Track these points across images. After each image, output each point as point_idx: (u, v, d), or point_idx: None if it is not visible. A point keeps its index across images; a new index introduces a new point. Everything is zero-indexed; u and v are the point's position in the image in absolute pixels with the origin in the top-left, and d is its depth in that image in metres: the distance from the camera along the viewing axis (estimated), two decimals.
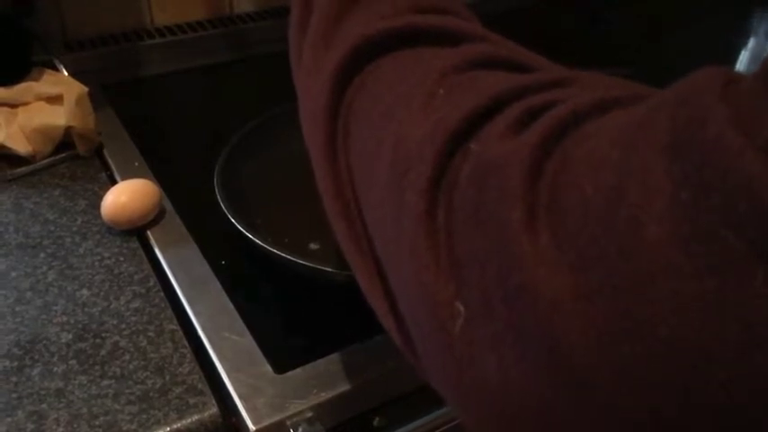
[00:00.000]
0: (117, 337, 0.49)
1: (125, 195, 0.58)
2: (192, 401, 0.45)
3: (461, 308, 0.23)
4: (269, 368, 0.47)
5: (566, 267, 0.19)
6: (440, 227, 0.24)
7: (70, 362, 0.47)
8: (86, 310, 0.51)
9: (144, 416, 0.44)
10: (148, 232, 0.58)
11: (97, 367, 0.47)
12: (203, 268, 0.55)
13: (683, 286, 0.17)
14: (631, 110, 0.21)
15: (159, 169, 0.65)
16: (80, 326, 0.50)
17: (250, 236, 0.53)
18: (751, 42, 1.04)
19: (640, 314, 0.18)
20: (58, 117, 0.65)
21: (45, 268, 0.55)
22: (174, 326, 0.50)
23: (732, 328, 0.16)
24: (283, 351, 0.49)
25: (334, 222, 0.32)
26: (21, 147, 0.63)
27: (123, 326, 0.50)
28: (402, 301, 0.27)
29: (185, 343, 0.49)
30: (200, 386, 0.46)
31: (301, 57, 0.36)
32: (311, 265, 0.51)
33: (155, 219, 0.59)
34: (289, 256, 0.52)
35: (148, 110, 0.80)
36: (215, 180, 0.58)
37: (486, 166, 0.23)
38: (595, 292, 0.19)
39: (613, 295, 0.18)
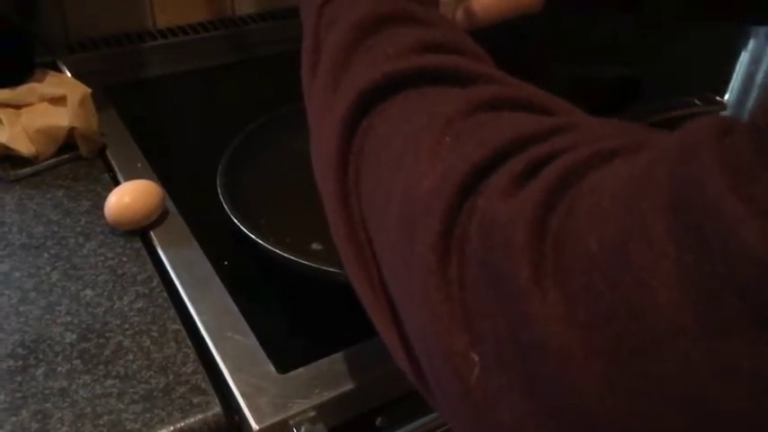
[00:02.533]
0: (120, 337, 0.49)
1: (128, 196, 0.58)
2: (195, 401, 0.45)
3: (476, 358, 0.23)
4: (272, 368, 0.47)
5: (576, 324, 0.20)
6: (452, 279, 0.24)
7: (74, 361, 0.47)
8: (90, 310, 0.52)
9: (148, 415, 0.44)
10: (151, 233, 0.59)
11: (101, 367, 0.47)
12: (206, 268, 0.55)
13: (692, 347, 0.18)
14: (632, 161, 0.22)
15: (162, 170, 0.66)
16: (84, 326, 0.50)
17: (252, 236, 0.53)
18: (750, 44, 1.04)
19: (652, 373, 0.18)
20: (61, 118, 0.65)
21: (49, 268, 0.55)
22: (178, 326, 0.51)
23: (742, 388, 0.17)
24: (286, 351, 0.49)
25: (347, 263, 0.32)
26: (24, 148, 0.64)
27: (127, 326, 0.50)
28: (417, 344, 0.28)
29: (188, 343, 0.49)
30: (203, 386, 0.46)
31: (312, 98, 0.37)
32: (313, 265, 0.52)
33: (157, 219, 0.59)
34: (291, 257, 0.52)
35: (151, 111, 0.80)
36: (217, 180, 0.58)
37: (493, 224, 0.23)
38: (606, 350, 0.19)
39: (625, 354, 0.19)
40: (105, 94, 0.76)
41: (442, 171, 0.26)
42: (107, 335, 0.50)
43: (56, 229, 0.59)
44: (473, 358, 0.23)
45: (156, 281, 0.54)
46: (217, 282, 0.54)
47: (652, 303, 0.18)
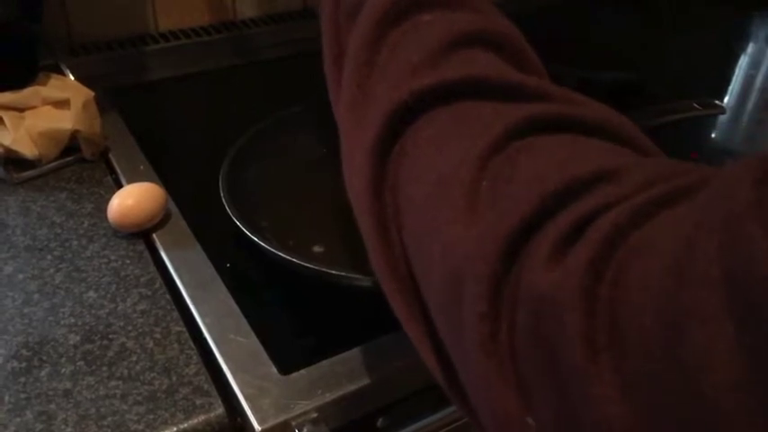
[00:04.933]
0: (124, 339, 0.50)
1: (131, 198, 0.58)
2: (198, 402, 0.46)
3: (532, 422, 0.23)
4: (274, 369, 0.48)
5: (637, 407, 0.20)
6: (503, 346, 0.24)
7: (78, 363, 0.48)
8: (93, 311, 0.52)
9: (151, 416, 0.44)
10: (154, 235, 0.59)
11: (105, 368, 0.48)
12: (209, 270, 0.55)
13: (760, 428, 0.17)
14: (677, 221, 0.21)
15: (164, 172, 0.66)
16: (87, 327, 0.51)
17: (255, 238, 0.54)
18: (750, 47, 1.04)
19: None
20: (64, 121, 0.65)
21: (52, 270, 0.55)
22: (181, 327, 0.51)
23: None
24: (288, 352, 0.49)
25: (392, 300, 0.31)
26: (27, 150, 0.64)
27: (130, 327, 0.51)
28: (470, 394, 0.27)
29: (191, 344, 0.50)
30: (206, 387, 0.47)
31: (338, 102, 0.35)
32: (315, 267, 0.52)
33: (160, 221, 0.60)
34: (293, 259, 0.52)
35: (153, 114, 0.81)
36: (220, 183, 0.59)
37: (540, 296, 0.23)
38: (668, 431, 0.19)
39: None
40: (108, 97, 0.76)
41: (481, 233, 0.25)
42: (110, 336, 0.50)
43: (59, 231, 0.59)
44: (529, 423, 0.23)
45: (158, 283, 0.55)
46: (219, 284, 0.54)
47: (713, 384, 0.18)
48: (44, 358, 0.48)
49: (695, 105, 0.81)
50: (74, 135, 0.66)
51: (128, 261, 0.57)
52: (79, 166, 0.67)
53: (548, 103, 0.30)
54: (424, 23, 0.33)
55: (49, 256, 0.57)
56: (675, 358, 0.19)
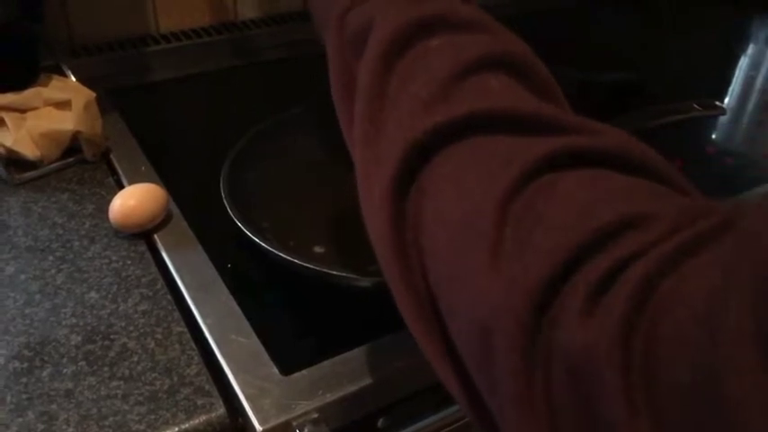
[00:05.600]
0: (125, 339, 0.50)
1: (133, 199, 0.59)
2: (199, 402, 0.46)
3: None
4: (275, 370, 0.48)
5: None
6: (538, 401, 0.24)
7: (79, 363, 0.48)
8: (95, 312, 0.52)
9: (152, 416, 0.45)
10: (155, 236, 0.59)
11: (106, 368, 0.48)
12: (210, 271, 0.56)
13: None
14: (705, 272, 0.21)
15: (166, 173, 0.66)
16: (89, 328, 0.51)
17: (256, 239, 0.54)
18: (750, 48, 1.04)
19: None
20: (65, 122, 0.65)
21: (54, 271, 0.55)
22: (182, 328, 0.51)
23: None
24: (289, 353, 0.49)
25: (419, 339, 0.30)
26: (29, 151, 0.64)
27: (131, 328, 0.51)
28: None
29: (193, 345, 0.50)
30: (207, 387, 0.47)
31: (352, 136, 0.35)
32: (316, 267, 0.52)
33: (162, 222, 0.60)
34: (294, 260, 0.52)
35: (154, 115, 0.81)
36: (221, 184, 0.59)
37: (577, 356, 0.23)
38: None
39: None
40: (109, 98, 0.76)
41: (509, 286, 0.25)
42: (112, 337, 0.50)
43: (60, 232, 0.59)
44: None
45: (160, 283, 0.55)
46: (220, 284, 0.54)
47: None
48: (46, 359, 0.48)
49: (695, 106, 0.81)
50: (75, 136, 0.66)
51: (129, 262, 0.57)
52: (80, 167, 0.68)
53: (564, 135, 0.29)
54: (432, 50, 0.33)
55: (51, 257, 0.57)
56: (713, 413, 0.19)
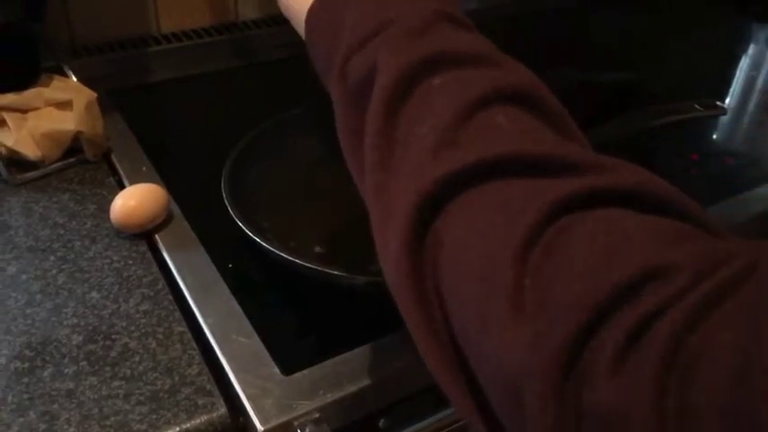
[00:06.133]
0: (127, 339, 0.50)
1: (134, 199, 0.59)
2: (200, 402, 0.46)
3: None
4: (276, 369, 0.48)
5: None
6: None
7: (81, 363, 0.48)
8: (96, 312, 0.52)
9: (154, 416, 0.45)
10: (156, 236, 0.59)
11: (107, 368, 0.48)
12: (211, 271, 0.56)
13: None
14: (732, 326, 0.21)
15: (167, 174, 0.66)
16: (90, 328, 0.51)
17: (257, 239, 0.54)
18: (751, 48, 1.04)
19: None
20: (67, 122, 0.65)
21: (55, 271, 0.55)
22: (183, 328, 0.51)
23: None
24: (290, 353, 0.50)
25: (446, 391, 0.30)
26: (30, 151, 0.64)
27: (133, 328, 0.51)
28: None
29: (194, 345, 0.50)
30: (208, 387, 0.47)
31: (364, 179, 0.34)
32: (317, 268, 0.52)
33: (163, 222, 0.60)
34: (295, 260, 0.52)
35: (155, 115, 0.81)
36: (222, 184, 0.59)
37: (608, 416, 0.23)
38: None
39: None
40: (110, 98, 0.76)
41: (535, 343, 0.25)
42: (113, 337, 0.50)
43: (62, 232, 0.60)
44: None
45: (161, 283, 0.55)
46: (221, 284, 0.54)
47: None
48: (47, 358, 0.48)
49: (696, 106, 0.81)
50: (76, 136, 0.66)
51: (130, 262, 0.57)
52: (82, 168, 0.68)
53: (578, 175, 0.29)
54: (435, 90, 0.32)
55: (52, 257, 0.57)
56: None
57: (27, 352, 0.49)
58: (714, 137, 0.85)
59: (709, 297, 0.23)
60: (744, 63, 1.00)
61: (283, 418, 0.45)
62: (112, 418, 0.44)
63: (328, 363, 0.49)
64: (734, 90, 0.94)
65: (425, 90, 0.32)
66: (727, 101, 0.90)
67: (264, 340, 0.50)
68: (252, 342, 0.50)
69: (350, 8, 0.37)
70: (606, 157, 0.30)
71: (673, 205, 0.28)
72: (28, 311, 0.52)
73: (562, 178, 0.28)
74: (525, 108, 0.32)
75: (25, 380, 0.47)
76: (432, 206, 0.30)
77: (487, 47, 0.35)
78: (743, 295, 0.22)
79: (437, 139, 0.30)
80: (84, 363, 0.48)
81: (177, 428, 0.44)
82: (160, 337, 0.50)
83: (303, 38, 0.42)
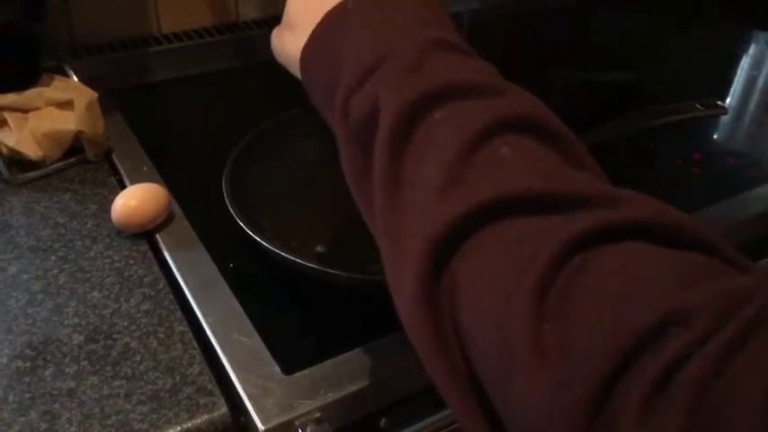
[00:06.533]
0: (128, 339, 0.50)
1: (135, 199, 0.59)
2: (201, 401, 0.46)
3: None
4: (277, 369, 0.48)
5: None
6: None
7: (82, 362, 0.48)
8: (97, 311, 0.52)
9: (155, 415, 0.45)
10: (157, 235, 0.59)
11: (108, 368, 0.48)
12: (212, 271, 0.56)
13: None
14: (756, 370, 0.22)
15: (167, 173, 0.66)
16: (91, 327, 0.51)
17: (258, 239, 0.54)
18: (752, 48, 1.04)
19: None
20: (67, 122, 0.65)
21: (56, 271, 0.55)
22: (184, 327, 0.51)
23: None
24: (291, 352, 0.50)
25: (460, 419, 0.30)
26: (31, 151, 0.64)
27: (134, 327, 0.51)
28: None
29: (195, 344, 0.50)
30: (209, 386, 0.47)
31: (374, 220, 0.34)
32: (318, 267, 0.52)
33: (163, 222, 0.60)
34: (296, 259, 0.52)
35: (156, 115, 0.81)
36: (223, 184, 0.59)
37: None
38: None
39: None
40: (111, 98, 0.76)
41: (559, 394, 0.25)
42: (114, 336, 0.50)
43: (63, 231, 0.60)
44: None
45: (162, 283, 0.55)
46: (222, 284, 0.54)
47: None
48: (48, 358, 0.48)
49: (697, 106, 0.81)
50: (77, 136, 0.66)
51: (131, 261, 0.57)
52: (82, 167, 0.68)
53: (589, 209, 0.28)
54: (438, 124, 0.32)
55: (53, 257, 0.57)
56: None
57: (28, 351, 0.49)
58: (715, 136, 0.85)
59: (732, 340, 0.23)
60: (744, 63, 1.00)
61: (284, 418, 0.45)
62: (113, 418, 0.44)
63: (329, 362, 0.49)
64: (734, 90, 0.94)
65: (428, 126, 0.32)
66: (728, 100, 0.90)
67: (265, 340, 0.50)
68: (253, 342, 0.50)
69: (345, 42, 0.37)
70: (617, 189, 0.29)
71: (687, 235, 0.27)
72: (29, 311, 0.52)
73: (573, 213, 0.28)
74: (530, 136, 0.31)
75: (26, 379, 0.47)
76: (445, 249, 0.29)
77: (488, 74, 0.35)
78: (766, 335, 0.22)
79: (443, 178, 0.30)
80: (86, 362, 0.48)
81: (178, 428, 0.44)
82: (161, 336, 0.50)
83: (300, 78, 0.41)
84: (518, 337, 0.26)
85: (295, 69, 0.42)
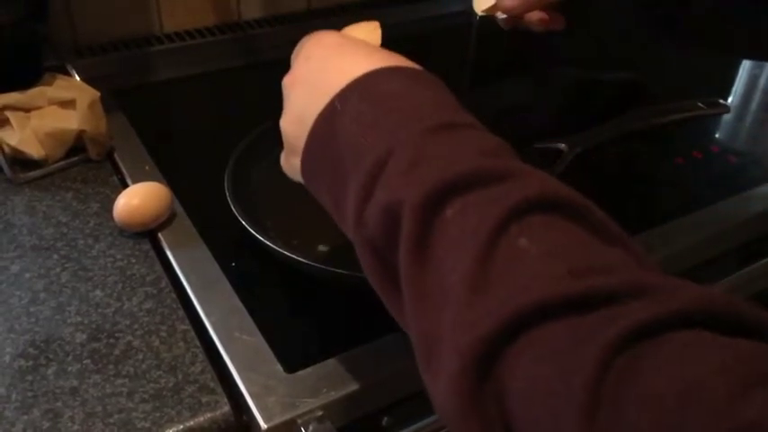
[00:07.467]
0: (130, 337, 0.50)
1: (137, 198, 0.59)
2: (204, 400, 0.46)
3: None
4: (280, 367, 0.48)
5: None
6: None
7: (84, 361, 0.48)
8: (100, 310, 0.52)
9: (157, 414, 0.45)
10: (160, 234, 0.59)
11: (111, 366, 0.48)
12: (214, 269, 0.56)
13: None
14: None
15: (169, 172, 0.66)
16: (94, 326, 0.51)
17: (260, 237, 0.54)
18: None
19: None
20: (70, 121, 0.66)
21: (58, 270, 0.56)
22: (186, 326, 0.51)
23: None
24: (294, 351, 0.50)
25: None
26: (33, 150, 0.64)
27: (136, 326, 0.51)
28: None
29: (197, 343, 0.50)
30: (212, 385, 0.47)
31: (400, 311, 0.33)
32: (320, 266, 0.52)
33: (166, 221, 0.60)
34: (298, 258, 0.52)
35: (158, 114, 0.81)
36: (225, 183, 0.59)
37: None
38: None
39: None
40: (113, 97, 0.76)
41: None
42: (117, 335, 0.50)
43: (65, 230, 0.60)
44: None
45: (164, 282, 0.55)
46: (225, 282, 0.54)
47: None
48: (51, 356, 0.48)
49: (699, 104, 0.81)
50: (79, 135, 0.66)
51: (133, 260, 0.57)
52: (85, 166, 0.68)
53: (622, 305, 0.26)
54: (450, 223, 0.31)
55: (56, 256, 0.57)
56: None
57: (31, 350, 0.49)
58: (717, 135, 0.85)
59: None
60: (746, 62, 0.99)
61: (287, 416, 0.45)
62: (116, 416, 0.44)
63: (332, 361, 0.49)
64: (736, 89, 0.93)
65: (442, 227, 0.31)
66: (730, 99, 0.90)
67: (268, 338, 0.50)
68: (255, 340, 0.50)
69: (341, 143, 0.36)
70: (653, 274, 0.28)
71: (745, 320, 0.26)
72: (32, 310, 0.52)
73: (608, 310, 0.27)
74: (546, 214, 0.30)
75: (29, 378, 0.47)
76: (483, 361, 0.28)
77: (492, 154, 0.33)
78: None
79: (466, 288, 0.29)
80: (88, 361, 0.48)
81: (181, 426, 0.44)
82: (163, 335, 0.50)
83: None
84: None
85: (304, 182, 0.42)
